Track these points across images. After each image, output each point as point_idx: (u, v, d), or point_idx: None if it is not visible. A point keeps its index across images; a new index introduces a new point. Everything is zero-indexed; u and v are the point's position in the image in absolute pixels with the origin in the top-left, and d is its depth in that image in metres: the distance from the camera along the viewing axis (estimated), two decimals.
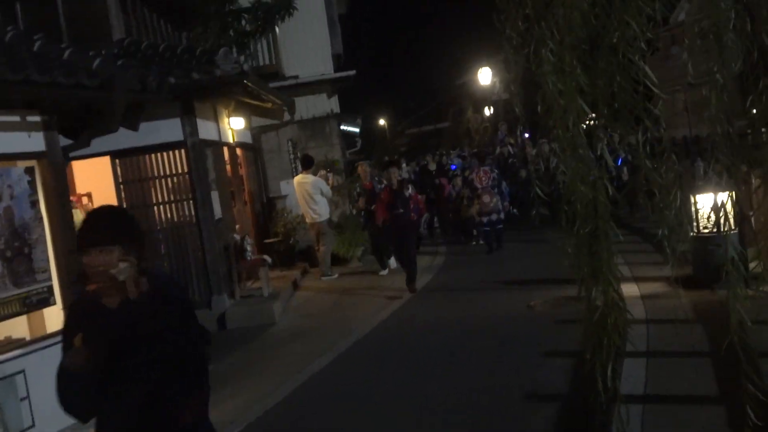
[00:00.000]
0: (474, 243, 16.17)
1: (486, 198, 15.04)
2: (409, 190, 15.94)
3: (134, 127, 9.00)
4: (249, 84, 11.14)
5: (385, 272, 13.74)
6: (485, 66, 31.30)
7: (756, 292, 8.17)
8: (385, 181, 12.75)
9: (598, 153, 3.53)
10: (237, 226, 13.31)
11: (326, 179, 14.15)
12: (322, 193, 13.73)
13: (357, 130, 23.26)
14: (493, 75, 31.21)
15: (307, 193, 13.61)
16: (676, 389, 6.39)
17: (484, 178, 15.22)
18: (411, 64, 66.92)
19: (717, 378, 6.46)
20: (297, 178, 13.99)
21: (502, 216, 15.21)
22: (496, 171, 15.78)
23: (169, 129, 11.13)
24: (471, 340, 8.68)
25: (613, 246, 3.55)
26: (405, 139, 61.42)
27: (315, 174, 14.14)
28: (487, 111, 44.71)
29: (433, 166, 19.25)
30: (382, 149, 42.74)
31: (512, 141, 20.94)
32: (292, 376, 8.12)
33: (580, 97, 3.32)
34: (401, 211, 11.85)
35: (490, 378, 7.24)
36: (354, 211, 16.24)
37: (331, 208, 14.93)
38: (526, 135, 21.49)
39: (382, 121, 66.00)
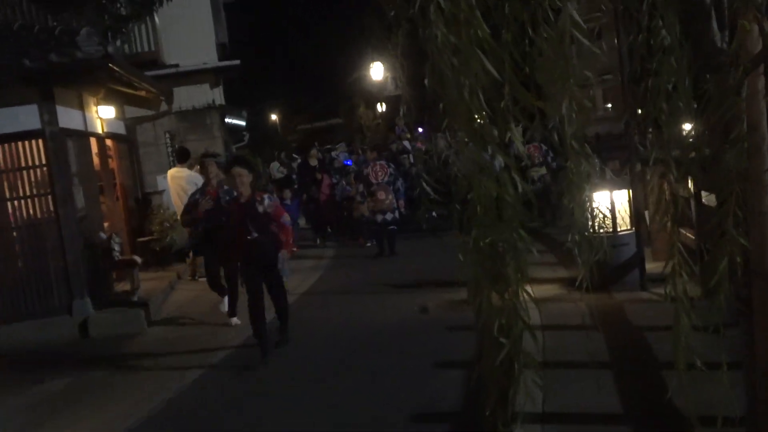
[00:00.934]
0: (368, 244, 15.07)
1: (381, 194, 13.76)
2: (286, 200, 14.84)
3: None
4: (115, 68, 10.11)
5: (234, 321, 9.71)
6: (377, 61, 30.70)
7: (653, 295, 7.71)
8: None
9: (506, 138, 2.86)
10: (106, 224, 12.23)
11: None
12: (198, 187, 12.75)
13: (243, 123, 22.26)
14: (385, 70, 30.66)
15: (181, 188, 12.61)
16: (576, 405, 5.84)
17: (380, 173, 13.94)
18: (303, 59, 65.98)
19: (620, 392, 5.96)
20: (171, 172, 12.98)
21: (396, 215, 13.92)
22: (392, 166, 14.49)
23: (25, 116, 10.00)
24: (357, 349, 7.98)
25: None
26: (297, 135, 60.48)
27: (191, 168, 13.17)
28: (380, 107, 44.27)
29: (314, 162, 17.44)
30: (272, 144, 41.71)
31: (409, 136, 20.37)
32: (151, 397, 7.23)
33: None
34: (255, 235, 7.90)
35: (377, 394, 6.55)
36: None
37: None
38: (419, 130, 20.95)
39: (273, 116, 64.96)
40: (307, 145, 19.94)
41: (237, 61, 17.45)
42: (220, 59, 17.96)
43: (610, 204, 9.15)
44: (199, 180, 12.69)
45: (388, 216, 13.75)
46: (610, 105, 49.50)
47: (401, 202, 14.13)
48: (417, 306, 9.48)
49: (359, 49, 41.77)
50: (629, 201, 9.30)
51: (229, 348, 8.66)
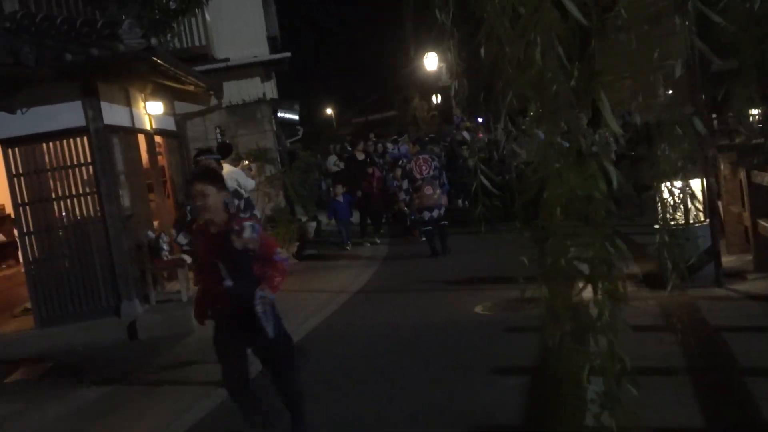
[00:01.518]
0: (423, 239, 13.98)
1: (428, 189, 12.81)
2: (338, 196, 14.91)
3: (10, 109, 7.65)
4: (159, 61, 9.81)
5: None
6: (431, 51, 30.15)
7: (730, 291, 7.11)
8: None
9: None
10: (155, 222, 12.00)
11: (249, 169, 12.84)
12: (239, 185, 12.38)
13: (296, 117, 21.96)
14: (440, 60, 30.09)
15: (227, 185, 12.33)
16: (655, 418, 5.30)
17: (424, 167, 13.00)
18: (357, 50, 65.68)
19: (700, 402, 5.40)
20: None
21: (443, 211, 13.04)
22: (436, 159, 13.59)
23: (69, 113, 9.81)
24: (409, 352, 7.51)
25: None
26: (351, 128, 60.27)
27: (236, 164, 12.86)
28: (435, 99, 43.75)
29: (361, 155, 16.50)
30: (326, 138, 41.50)
31: (468, 125, 19.86)
32: (193, 406, 6.89)
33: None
34: (230, 283, 5.32)
35: (428, 404, 6.07)
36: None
37: (260, 201, 13.67)
38: (479, 120, 20.38)
39: (329, 110, 64.91)
40: (363, 137, 19.33)
41: (287, 54, 17.09)
42: (271, 52, 17.63)
43: (684, 194, 8.52)
44: (242, 177, 12.33)
45: (435, 213, 12.89)
46: (670, 91, 48.32)
47: (444, 198, 13.33)
48: (472, 305, 8.99)
49: (414, 40, 41.30)
50: (702, 190, 8.67)
51: None
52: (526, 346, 7.02)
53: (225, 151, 12.61)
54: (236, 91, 15.67)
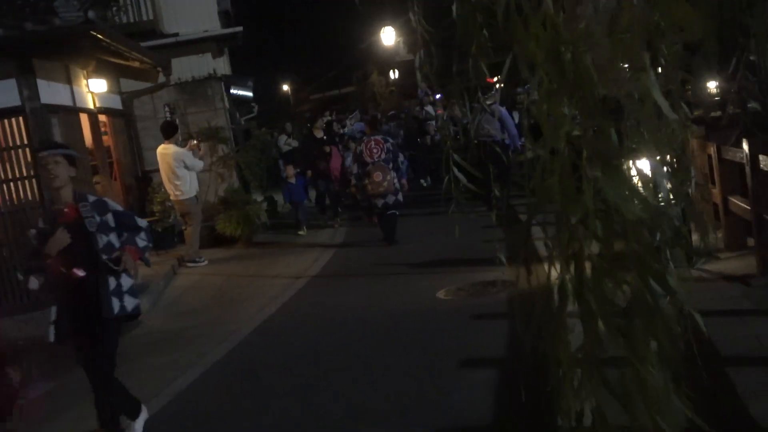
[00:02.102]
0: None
1: (377, 175, 11.54)
2: (290, 178, 14.13)
3: None
4: (99, 36, 9.19)
5: None
6: (388, 26, 29.57)
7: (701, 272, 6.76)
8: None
9: None
10: None
11: (197, 149, 12.26)
12: (186, 167, 11.82)
13: (250, 94, 21.26)
14: (397, 35, 29.56)
15: (168, 167, 11.74)
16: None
17: (375, 150, 11.66)
18: (313, 26, 64.80)
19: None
20: (159, 149, 12.06)
21: (400, 197, 11.86)
22: (390, 141, 12.09)
23: (3, 93, 9.18)
24: (369, 343, 7.05)
25: None
26: (309, 105, 59.46)
27: (182, 144, 12.31)
28: (393, 74, 43.20)
29: (320, 133, 15.53)
30: (284, 116, 40.77)
31: (432, 100, 19.32)
32: (146, 401, 6.39)
33: None
34: (81, 273, 5.12)
35: (390, 402, 5.64)
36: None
37: (212, 182, 13.19)
38: (437, 96, 19.87)
39: (285, 87, 64.04)
40: (321, 113, 18.54)
41: (239, 28, 16.47)
42: (223, 27, 17.02)
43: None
44: (189, 157, 11.76)
45: (389, 199, 11.68)
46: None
47: (404, 182, 12.20)
48: (435, 290, 8.57)
49: (370, 14, 40.64)
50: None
51: (232, 341, 7.79)
52: (493, 335, 6.63)
53: (169, 130, 12.03)
54: (186, 68, 15.03)
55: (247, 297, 9.71)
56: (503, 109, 12.82)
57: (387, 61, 36.00)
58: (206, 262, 12.01)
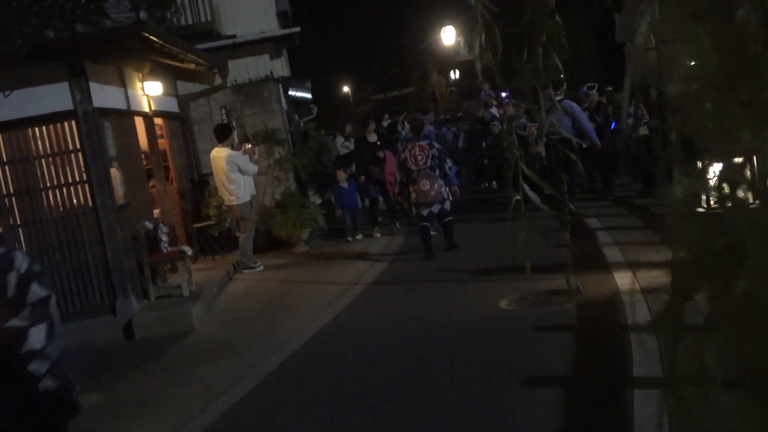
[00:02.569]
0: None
1: (424, 184, 10.68)
2: (341, 182, 13.51)
3: None
4: (150, 37, 9.00)
5: None
6: (448, 25, 29.15)
7: None
8: None
9: None
10: (156, 211, 11.25)
11: (252, 153, 12.00)
12: (240, 170, 11.57)
13: (309, 95, 21.05)
14: (457, 34, 29.11)
15: (222, 170, 11.50)
16: None
17: (419, 157, 10.79)
18: (373, 26, 64.65)
19: None
20: (212, 153, 11.84)
21: (447, 206, 10.98)
22: (436, 146, 11.20)
23: (56, 96, 9.05)
24: (425, 357, 6.67)
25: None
26: (369, 105, 59.41)
27: (236, 147, 12.06)
28: (453, 74, 42.74)
29: (373, 137, 14.62)
30: (343, 117, 40.68)
31: (496, 102, 18.85)
32: (194, 418, 6.14)
33: None
34: None
35: (445, 425, 5.27)
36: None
37: (269, 185, 12.98)
38: (504, 95, 19.35)
39: (345, 88, 64.13)
40: (378, 115, 18.03)
41: (297, 29, 16.23)
42: (281, 28, 16.81)
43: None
44: (242, 160, 11.51)
45: (435, 208, 10.87)
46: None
47: (454, 188, 11.38)
48: (497, 299, 8.16)
49: (430, 13, 40.25)
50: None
51: (284, 352, 7.50)
52: (558, 349, 6.22)
53: (223, 133, 11.80)
54: (243, 70, 14.83)
55: (301, 304, 9.42)
56: (575, 105, 12.11)
57: (447, 61, 35.54)
58: (262, 268, 11.78)
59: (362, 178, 14.25)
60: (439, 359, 6.53)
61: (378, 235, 13.78)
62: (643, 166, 13.39)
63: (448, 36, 29.24)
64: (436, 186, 10.74)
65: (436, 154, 10.90)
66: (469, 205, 15.81)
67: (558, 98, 11.36)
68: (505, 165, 14.82)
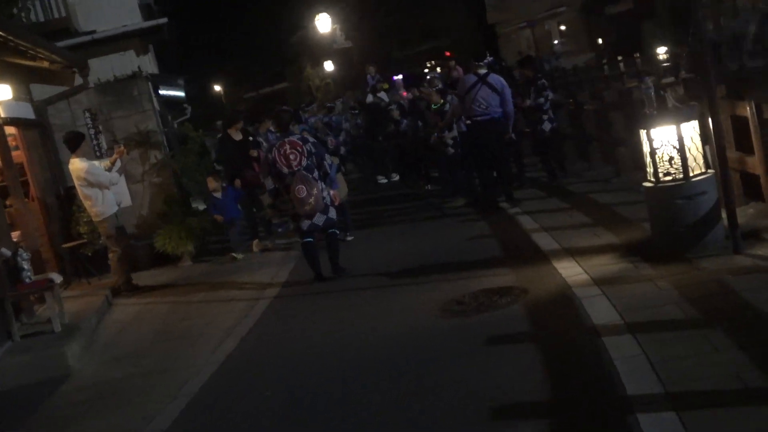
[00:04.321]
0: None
1: (300, 190, 8.50)
2: (216, 193, 11.52)
3: None
4: None
5: None
6: (323, 12, 27.96)
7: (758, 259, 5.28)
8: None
9: None
10: (15, 234, 9.65)
11: (124, 155, 10.44)
12: (91, 184, 9.96)
13: (182, 94, 19.50)
14: (333, 22, 27.96)
15: (77, 184, 10.03)
16: None
17: (292, 156, 8.61)
18: (243, 22, 62.89)
19: None
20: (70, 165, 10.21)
21: (332, 215, 8.90)
22: (310, 140, 8.90)
23: None
24: (364, 391, 5.49)
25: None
26: (243, 104, 57.87)
27: (108, 153, 10.55)
28: (328, 66, 41.59)
29: (238, 135, 12.18)
30: (219, 117, 39.00)
31: (386, 86, 17.72)
32: None
33: None
34: None
35: None
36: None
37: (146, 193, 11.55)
38: (398, 77, 18.22)
39: (217, 87, 62.36)
40: (259, 112, 16.13)
41: (164, 20, 14.78)
42: (146, 21, 15.30)
43: (678, 142, 6.78)
44: (97, 173, 9.93)
45: (318, 219, 8.74)
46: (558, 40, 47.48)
47: (335, 193, 9.13)
48: (432, 304, 7.06)
49: (303, 2, 38.97)
50: (701, 135, 6.96)
51: (185, 396, 6.18)
52: (523, 365, 5.15)
53: (73, 142, 10.10)
54: (108, 68, 13.31)
55: (200, 331, 8.09)
56: (504, 82, 10.78)
57: (324, 50, 34.39)
58: (145, 288, 10.35)
59: (238, 182, 11.81)
60: (379, 392, 5.34)
61: (256, 250, 11.71)
62: (547, 147, 12.57)
63: (324, 24, 28.05)
64: (314, 191, 8.54)
65: (313, 150, 8.69)
66: (372, 202, 14.77)
67: (483, 72, 10.30)
68: (412, 153, 13.72)
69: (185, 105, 20.97)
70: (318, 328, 7.24)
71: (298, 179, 8.52)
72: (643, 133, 6.96)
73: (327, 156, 9.03)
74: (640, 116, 7.07)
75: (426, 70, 13.99)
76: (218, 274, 10.84)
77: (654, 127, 6.84)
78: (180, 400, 6.08)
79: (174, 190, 12.62)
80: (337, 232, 9.15)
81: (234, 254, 11.63)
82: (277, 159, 8.65)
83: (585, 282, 6.64)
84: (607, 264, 7.06)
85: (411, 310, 7.07)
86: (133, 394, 6.53)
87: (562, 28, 47.18)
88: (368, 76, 18.58)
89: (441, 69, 16.66)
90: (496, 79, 10.60)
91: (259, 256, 11.46)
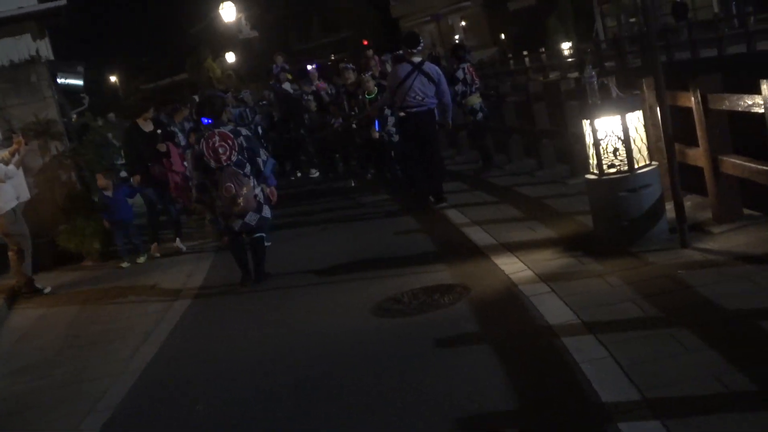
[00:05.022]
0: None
1: (230, 188, 7.60)
2: (107, 191, 10.24)
3: None
4: None
5: None
6: (228, 1, 27.14)
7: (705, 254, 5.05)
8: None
9: None
10: None
11: (18, 150, 9.66)
12: None
13: (80, 82, 18.47)
14: (238, 10, 27.17)
15: None
16: None
17: (221, 150, 7.64)
18: (142, 10, 61.25)
19: None
20: None
21: (266, 213, 8.02)
22: (243, 133, 7.89)
23: None
24: (308, 402, 5.02)
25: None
26: (140, 95, 56.36)
27: (5, 143, 9.73)
28: (230, 57, 40.72)
29: (149, 126, 10.90)
30: (116, 109, 37.61)
31: (290, 76, 17.08)
32: None
33: None
34: None
35: None
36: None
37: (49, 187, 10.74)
38: (312, 67, 17.53)
39: (113, 78, 60.58)
40: (164, 103, 14.89)
41: (63, 2, 13.82)
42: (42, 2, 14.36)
43: (623, 132, 6.56)
44: None
45: (251, 218, 7.86)
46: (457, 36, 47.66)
47: (271, 190, 8.20)
48: (366, 303, 6.65)
49: None
50: (645, 126, 6.77)
51: (103, 411, 5.59)
52: (481, 370, 4.79)
53: None
54: (2, 53, 12.38)
55: (113, 336, 7.46)
56: (440, 71, 10.03)
57: (229, 40, 33.50)
58: (49, 290, 9.60)
59: (137, 178, 10.63)
60: (324, 402, 4.89)
61: (156, 254, 10.69)
62: (481, 137, 12.35)
63: (228, 13, 27.21)
64: (245, 190, 7.66)
65: (245, 145, 7.74)
66: (288, 199, 14.22)
67: (417, 60, 9.78)
68: (330, 146, 13.16)
69: (83, 95, 19.93)
70: (246, 332, 6.74)
71: (227, 175, 7.61)
72: (586, 123, 6.73)
73: (262, 151, 8.06)
74: (582, 106, 6.82)
75: (339, 62, 13.27)
76: (128, 274, 10.09)
77: (598, 118, 6.61)
78: (98, 415, 5.49)
79: (76, 183, 11.82)
80: (264, 235, 8.23)
81: (123, 264, 10.39)
82: (205, 151, 7.66)
83: (530, 279, 6.35)
84: (549, 259, 6.80)
85: (346, 310, 6.66)
86: (45, 410, 5.89)
87: (462, 23, 47.48)
88: (274, 66, 17.92)
89: (344, 61, 16.06)
90: (432, 68, 9.88)
91: (174, 256, 10.65)
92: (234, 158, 7.65)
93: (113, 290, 9.32)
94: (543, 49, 31.43)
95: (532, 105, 11.14)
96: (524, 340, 5.18)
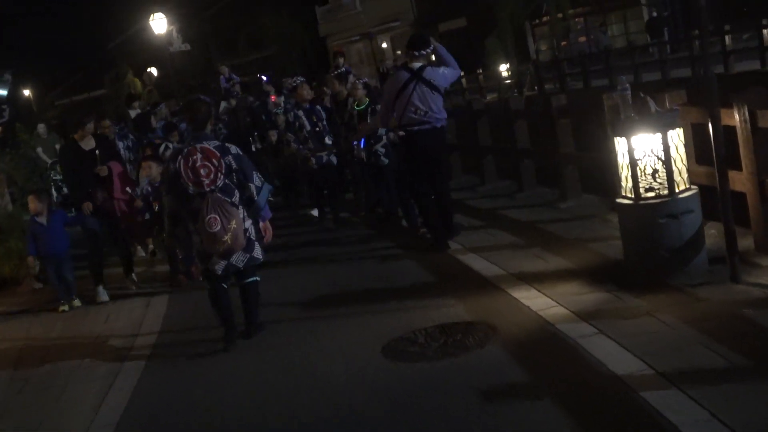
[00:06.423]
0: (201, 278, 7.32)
1: (213, 221, 5.93)
2: (39, 216, 8.46)
3: None
4: None
5: None
6: (158, 12, 25.92)
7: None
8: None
9: None
10: None
11: None
12: None
13: (4, 93, 17.02)
14: (169, 23, 25.99)
15: None
16: None
17: (203, 171, 6.05)
18: (58, 21, 59.09)
19: None
20: None
21: (257, 254, 6.31)
22: (233, 150, 6.20)
23: None
24: None
25: None
26: (55, 111, 54.40)
27: None
28: (154, 72, 39.22)
29: (90, 143, 8.97)
30: (32, 124, 35.77)
31: (237, 89, 16.00)
32: None
33: None
34: None
35: None
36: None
37: None
38: (264, 78, 16.42)
39: (26, 92, 58.24)
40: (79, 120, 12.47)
41: None
42: None
43: (664, 152, 5.88)
44: None
45: (238, 259, 6.22)
46: (399, 52, 47.18)
47: (265, 225, 6.45)
48: (377, 348, 5.75)
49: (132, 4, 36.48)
50: (686, 145, 6.11)
51: None
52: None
53: None
54: None
55: (67, 382, 6.35)
56: (445, 71, 8.12)
57: (155, 54, 32.16)
58: None
59: (89, 205, 8.68)
60: None
61: (105, 297, 8.72)
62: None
63: (159, 25, 25.96)
64: (233, 224, 5.99)
65: (233, 166, 6.12)
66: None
67: (417, 65, 8.30)
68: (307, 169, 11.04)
69: (4, 105, 18.49)
70: (231, 385, 5.65)
71: (210, 205, 5.95)
72: (620, 141, 6.02)
73: (255, 175, 6.21)
74: (615, 122, 6.10)
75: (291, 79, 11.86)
76: (68, 320, 8.40)
77: (635, 135, 5.92)
78: None
79: (8, 202, 10.63)
80: (258, 279, 6.48)
81: (62, 307, 8.58)
82: (182, 172, 6.05)
83: (566, 317, 5.58)
84: (578, 293, 6.05)
85: (355, 356, 5.71)
86: None
87: (384, 45, 46.93)
88: (221, 78, 16.91)
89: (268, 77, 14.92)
90: (434, 72, 7.99)
91: (123, 300, 8.82)
92: (219, 182, 6.06)
93: (61, 322, 8.14)
94: (480, 70, 31.12)
95: (513, 123, 10.44)
96: (593, 393, 4.38)
